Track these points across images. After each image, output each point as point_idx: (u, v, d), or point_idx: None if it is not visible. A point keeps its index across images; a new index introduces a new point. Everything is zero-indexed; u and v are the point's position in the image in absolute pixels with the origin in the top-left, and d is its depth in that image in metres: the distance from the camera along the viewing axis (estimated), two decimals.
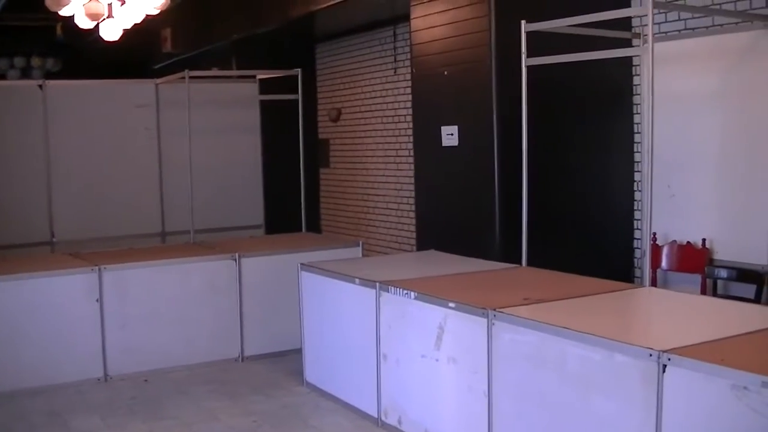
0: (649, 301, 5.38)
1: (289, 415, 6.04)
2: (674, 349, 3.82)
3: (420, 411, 5.41)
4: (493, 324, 4.76)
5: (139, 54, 12.81)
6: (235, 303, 7.40)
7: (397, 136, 10.79)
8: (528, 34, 6.38)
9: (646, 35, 7.15)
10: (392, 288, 5.59)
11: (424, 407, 5.38)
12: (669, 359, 3.77)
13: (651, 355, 3.84)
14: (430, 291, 5.38)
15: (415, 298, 5.39)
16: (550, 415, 4.43)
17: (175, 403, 6.33)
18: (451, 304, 5.09)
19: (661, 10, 6.70)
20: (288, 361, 7.17)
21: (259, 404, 6.25)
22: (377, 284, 5.72)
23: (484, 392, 4.84)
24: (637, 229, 7.84)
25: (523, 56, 6.35)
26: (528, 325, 4.56)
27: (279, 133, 10.28)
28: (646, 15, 5.57)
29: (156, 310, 7.11)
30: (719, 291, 6.83)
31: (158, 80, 9.76)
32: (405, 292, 5.48)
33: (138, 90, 9.75)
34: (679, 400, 3.75)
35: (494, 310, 4.78)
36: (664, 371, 3.79)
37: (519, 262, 6.48)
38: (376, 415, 5.79)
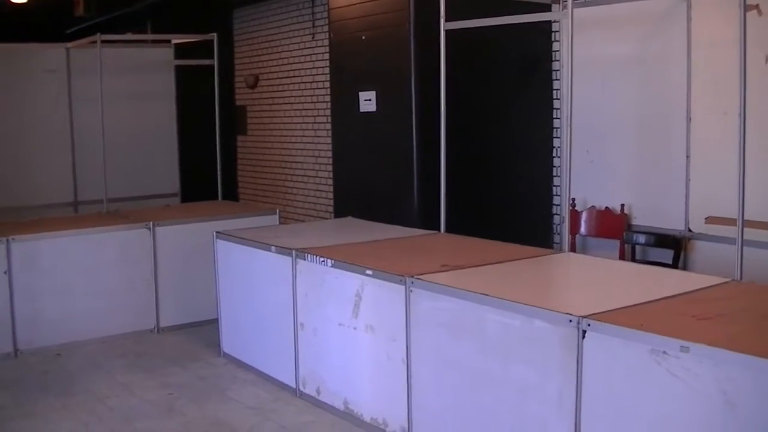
0: (568, 267, 5.37)
1: (207, 387, 5.92)
2: (594, 314, 3.79)
3: (338, 380, 5.34)
4: (411, 291, 4.69)
5: (49, 18, 12.43)
6: (149, 273, 7.23)
7: (315, 102, 10.65)
8: None
9: (565, 1, 7.16)
10: (309, 256, 5.48)
11: (343, 377, 5.30)
12: (588, 325, 3.74)
13: (570, 320, 3.81)
14: (347, 258, 5.29)
15: (332, 265, 5.29)
16: (469, 383, 4.38)
17: (88, 377, 6.14)
18: (369, 272, 5.01)
19: None
20: (204, 331, 7.06)
21: (176, 376, 6.12)
22: (293, 252, 5.61)
23: (402, 360, 4.78)
24: (556, 195, 7.85)
25: (442, 20, 6.27)
26: (446, 292, 4.50)
27: (194, 99, 10.08)
28: None
29: (68, 282, 6.89)
30: (637, 256, 6.87)
31: (69, 44, 9.47)
32: (321, 259, 5.38)
33: (47, 55, 9.44)
34: (599, 365, 3.72)
35: (412, 277, 4.70)
36: (583, 337, 3.75)
37: (438, 228, 6.43)
38: (294, 386, 5.70)
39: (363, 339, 5.09)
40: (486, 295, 4.26)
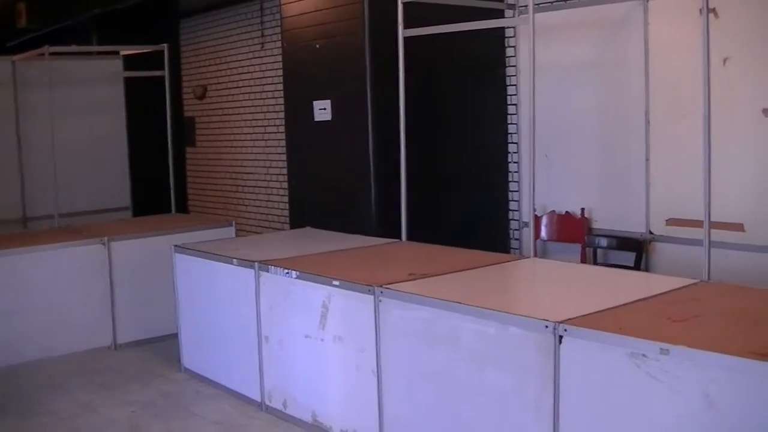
0: (535, 272, 5.36)
1: (170, 403, 5.81)
2: (570, 319, 3.78)
3: (306, 393, 5.27)
4: (380, 301, 4.65)
5: None
6: (105, 289, 7.10)
7: (265, 112, 10.58)
8: (406, 6, 6.26)
9: (521, 6, 7.20)
10: (272, 268, 5.42)
11: (311, 389, 5.23)
12: (565, 330, 3.72)
13: (547, 326, 3.79)
14: (311, 269, 5.23)
15: (297, 277, 5.23)
16: (443, 392, 4.34)
17: (49, 397, 5.99)
18: (336, 282, 4.96)
19: None
20: (163, 347, 6.95)
21: (137, 393, 6.00)
22: (256, 264, 5.54)
23: (372, 371, 4.73)
24: (512, 200, 7.85)
25: (400, 27, 6.24)
26: (417, 301, 4.46)
27: (143, 111, 9.95)
28: None
29: (22, 300, 6.73)
30: (599, 260, 6.90)
31: (15, 57, 9.30)
32: (286, 271, 5.32)
33: None
34: (577, 370, 3.71)
35: (381, 286, 4.66)
36: (560, 342, 3.74)
37: (395, 237, 6.40)
38: (259, 400, 5.62)
39: (331, 350, 5.04)
40: (459, 303, 4.23)
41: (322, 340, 5.07)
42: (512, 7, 7.33)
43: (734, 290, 4.46)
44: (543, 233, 7.12)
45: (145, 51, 9.43)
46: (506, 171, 7.88)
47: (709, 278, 4.88)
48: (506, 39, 7.77)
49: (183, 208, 11.51)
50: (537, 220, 7.00)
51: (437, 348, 4.36)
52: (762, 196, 5.88)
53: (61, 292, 6.92)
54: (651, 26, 6.41)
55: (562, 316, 3.81)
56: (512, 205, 7.87)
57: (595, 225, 6.89)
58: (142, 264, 7.23)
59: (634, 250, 6.50)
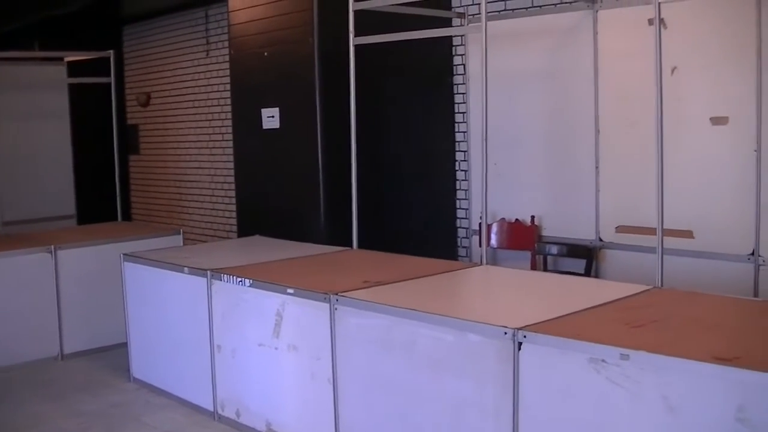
0: (489, 279, 5.39)
1: (120, 413, 5.73)
2: (529, 325, 3.80)
3: (260, 402, 5.23)
4: (336, 309, 4.63)
5: None
6: (52, 298, 6.97)
7: (210, 120, 10.53)
8: (357, 13, 6.28)
9: (470, 15, 7.25)
10: (225, 276, 5.38)
11: (265, 398, 5.20)
12: (524, 336, 3.74)
13: (506, 333, 3.80)
14: (264, 277, 5.20)
15: (251, 285, 5.20)
16: (401, 400, 4.34)
17: None
18: (290, 290, 4.93)
19: None
20: (112, 356, 6.86)
21: (87, 404, 5.91)
22: (208, 272, 5.50)
23: (328, 379, 4.71)
24: (460, 208, 7.90)
25: (351, 35, 6.25)
26: (374, 309, 4.45)
27: (87, 118, 9.85)
28: None
29: None
30: (549, 267, 6.96)
31: None
32: (239, 279, 5.28)
33: None
34: (536, 376, 3.73)
35: (336, 294, 4.65)
36: (519, 349, 3.75)
37: (344, 245, 6.40)
38: (212, 409, 5.57)
39: (285, 359, 5.01)
40: (417, 310, 4.23)
41: (276, 348, 5.05)
42: (461, 15, 7.38)
43: (688, 296, 4.52)
44: (493, 241, 7.16)
45: (90, 57, 9.33)
46: (453, 179, 7.92)
47: (662, 284, 4.95)
48: (454, 47, 7.82)
49: (126, 216, 11.39)
50: (487, 227, 7.03)
51: (394, 356, 4.36)
52: (710, 204, 5.98)
53: (5, 301, 6.77)
54: (600, 35, 6.49)
55: (521, 323, 3.83)
56: (460, 213, 7.91)
57: (545, 232, 6.94)
58: (89, 273, 7.12)
59: (585, 257, 6.56)
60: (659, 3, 4.98)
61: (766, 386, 3.01)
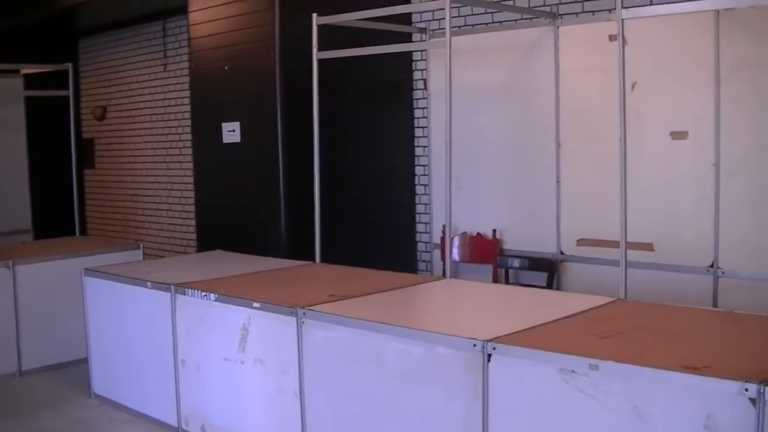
0: (453, 292, 5.41)
1: (82, 430, 5.68)
2: (497, 337, 3.83)
3: (226, 416, 5.21)
4: (303, 323, 4.63)
5: None
6: (10, 313, 6.88)
7: (167, 134, 10.48)
8: (319, 28, 6.30)
9: (431, 30, 7.30)
10: (189, 290, 5.36)
11: (230, 412, 5.18)
12: (494, 348, 3.77)
13: (475, 345, 3.82)
14: (229, 292, 5.19)
15: (216, 299, 5.19)
16: (369, 413, 4.35)
17: None
18: (256, 304, 4.92)
19: (455, 4, 6.71)
20: (71, 372, 6.78)
21: (48, 421, 5.83)
22: (172, 287, 5.47)
23: (295, 393, 4.70)
24: (420, 222, 7.93)
25: (315, 49, 6.28)
26: (342, 322, 4.46)
27: (43, 132, 9.75)
28: (430, 11, 5.62)
29: None
30: (510, 280, 7.00)
31: None
32: (204, 294, 5.26)
33: None
34: (506, 387, 3.76)
35: (303, 308, 4.65)
36: (488, 360, 3.78)
37: (305, 259, 6.40)
38: (176, 424, 5.53)
39: (251, 373, 4.99)
40: (384, 323, 4.25)
41: (242, 362, 5.03)
42: (423, 31, 7.42)
43: (651, 307, 4.57)
44: (455, 254, 7.19)
45: (47, 70, 9.25)
46: (413, 193, 7.96)
47: (625, 296, 5.01)
48: (414, 62, 7.86)
49: (82, 231, 11.29)
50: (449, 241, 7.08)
51: (362, 369, 4.37)
52: (670, 217, 6.07)
53: None
54: (561, 51, 6.57)
55: (490, 335, 3.86)
56: (420, 227, 7.94)
57: (507, 246, 7.00)
58: (48, 288, 7.04)
59: (546, 270, 6.62)
60: (622, 20, 5.04)
61: (734, 395, 3.06)
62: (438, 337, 4.02)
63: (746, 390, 3.03)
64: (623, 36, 5.13)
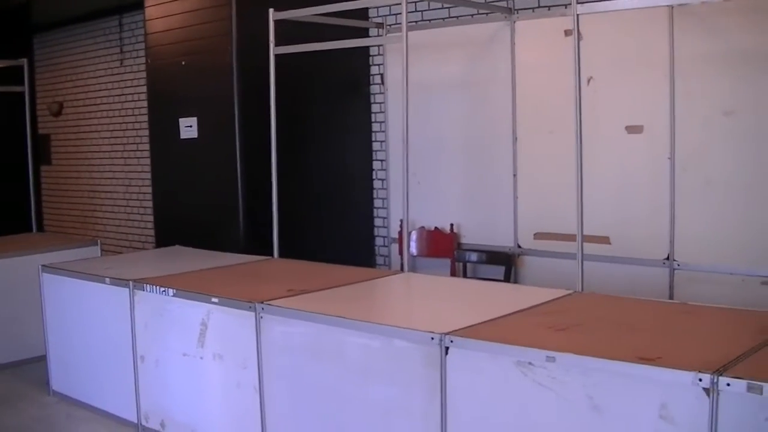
0: (411, 286, 5.44)
1: (42, 428, 5.64)
2: (455, 330, 3.85)
3: (185, 412, 5.20)
4: (262, 317, 4.64)
5: None
6: None
7: (124, 130, 10.42)
8: (276, 23, 6.30)
9: (388, 25, 7.32)
10: (147, 286, 5.34)
11: (190, 407, 5.17)
12: (451, 341, 3.79)
13: (433, 338, 3.85)
14: (188, 287, 5.18)
15: (174, 295, 5.17)
16: (328, 407, 4.36)
17: None
18: (215, 299, 4.92)
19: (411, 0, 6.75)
20: (29, 370, 6.73)
21: (6, 419, 5.79)
22: (131, 283, 5.45)
23: (254, 388, 4.71)
24: (378, 217, 7.95)
25: (271, 44, 6.28)
26: (300, 317, 4.47)
27: None
28: (387, 6, 5.64)
29: None
30: (468, 274, 7.05)
31: None
32: (162, 289, 5.25)
33: None
34: (464, 380, 3.78)
35: (262, 303, 4.66)
36: (446, 353, 3.81)
37: (263, 254, 6.40)
38: (135, 421, 5.51)
39: (211, 368, 4.99)
40: (343, 317, 4.26)
41: (201, 358, 5.03)
42: (379, 26, 7.44)
43: (607, 300, 4.64)
44: (413, 249, 7.23)
45: (1, 66, 9.16)
46: (371, 188, 7.98)
47: (582, 289, 5.06)
48: (371, 57, 7.88)
49: (39, 227, 11.20)
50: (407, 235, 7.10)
51: (321, 363, 4.38)
52: (627, 210, 6.14)
53: None
54: (517, 46, 6.62)
55: (447, 328, 3.88)
56: (378, 222, 7.96)
57: (464, 240, 7.04)
58: (5, 284, 6.96)
59: (503, 263, 6.67)
60: (577, 15, 5.08)
61: (687, 385, 3.10)
62: (396, 331, 4.04)
63: (700, 380, 3.07)
64: (578, 31, 5.17)
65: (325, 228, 7.60)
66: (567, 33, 6.00)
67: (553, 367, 3.46)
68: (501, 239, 6.80)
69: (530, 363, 3.53)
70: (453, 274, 6.93)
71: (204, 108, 7.33)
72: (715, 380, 3.05)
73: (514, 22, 6.63)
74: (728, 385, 3.03)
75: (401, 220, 6.73)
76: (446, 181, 7.18)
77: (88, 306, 5.88)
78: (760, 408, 2.95)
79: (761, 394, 2.95)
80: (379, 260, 7.95)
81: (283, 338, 4.58)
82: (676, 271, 5.96)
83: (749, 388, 2.99)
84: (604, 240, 6.17)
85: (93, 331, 5.86)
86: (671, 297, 5.90)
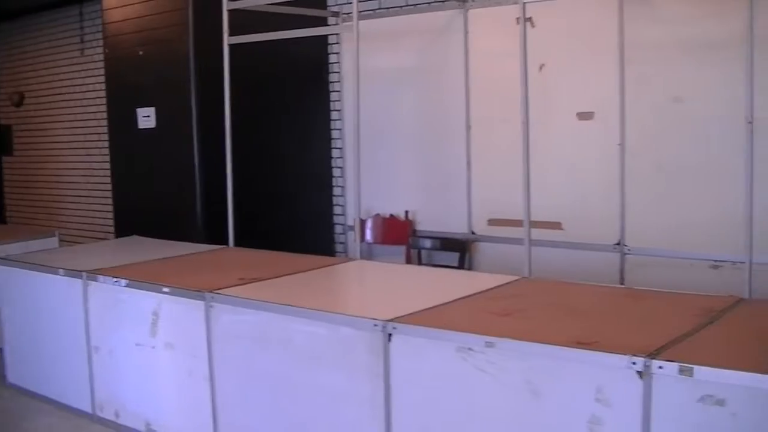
0: (363, 274, 5.49)
1: None
2: (398, 317, 3.90)
3: (139, 401, 5.22)
4: (211, 306, 4.66)
5: None
6: None
7: (86, 120, 10.37)
8: (231, 13, 6.30)
9: (344, 14, 7.33)
10: (101, 277, 5.35)
11: (143, 397, 5.19)
12: (394, 328, 3.84)
13: (376, 325, 3.89)
14: (141, 277, 5.19)
15: (126, 285, 5.19)
16: (277, 394, 4.40)
17: None
18: (165, 289, 4.94)
19: None
20: None
21: None
22: (84, 274, 5.46)
23: (205, 376, 4.73)
24: (337, 205, 7.98)
25: (225, 34, 6.28)
26: (249, 305, 4.50)
27: None
28: None
29: None
30: (423, 260, 7.08)
31: None
32: (115, 280, 5.26)
33: None
34: (407, 366, 3.83)
35: (211, 292, 4.68)
36: (390, 340, 3.85)
37: (223, 243, 6.42)
38: (90, 411, 5.53)
39: (163, 357, 5.01)
40: (290, 305, 4.30)
41: (153, 347, 5.05)
42: (336, 15, 7.46)
43: (553, 285, 4.69)
44: (368, 236, 7.27)
45: None
46: (330, 176, 8.00)
47: (530, 274, 5.11)
48: (330, 46, 7.89)
49: (2, 218, 11.20)
50: (362, 223, 7.13)
51: (270, 351, 4.42)
52: (579, 196, 6.20)
53: None
54: (471, 34, 6.66)
55: (391, 315, 3.93)
56: (337, 210, 7.99)
57: (420, 227, 7.08)
58: None
59: (458, 250, 6.71)
60: (525, 3, 5.12)
61: (622, 367, 3.16)
62: (342, 318, 4.08)
63: (634, 363, 3.13)
64: (525, 19, 5.22)
65: (286, 216, 7.60)
66: (519, 21, 6.03)
67: (492, 353, 3.51)
68: (456, 226, 6.84)
69: (470, 348, 3.58)
70: (408, 261, 6.97)
71: (161, 98, 7.32)
72: (648, 363, 3.11)
73: (468, 10, 6.67)
74: (661, 368, 3.09)
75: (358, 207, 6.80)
76: (402, 169, 7.22)
77: (42, 297, 5.88)
78: (693, 390, 3.02)
79: (692, 376, 3.01)
80: (340, 248, 7.98)
81: (232, 327, 4.61)
82: (626, 256, 6.02)
83: (681, 371, 3.05)
84: (556, 226, 6.22)
85: (48, 323, 5.86)
86: (622, 282, 5.96)
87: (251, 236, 6.48)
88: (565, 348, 3.33)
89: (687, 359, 3.07)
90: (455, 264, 6.64)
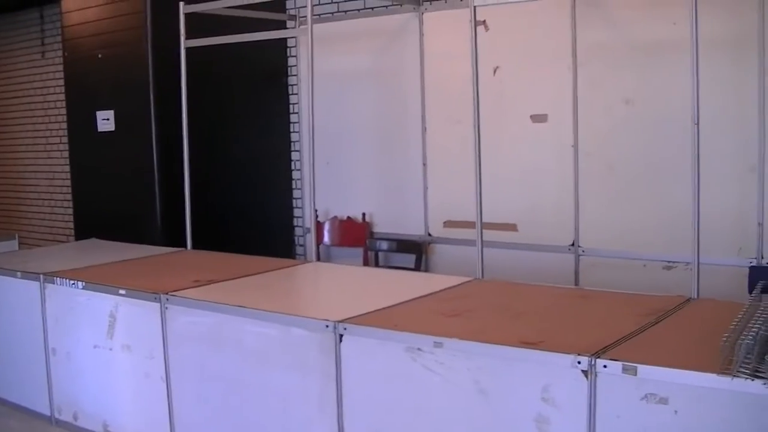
0: (318, 276, 5.52)
1: None
2: (349, 318, 3.94)
3: (96, 403, 5.24)
4: (167, 308, 4.69)
5: None
6: None
7: (47, 123, 10.34)
8: (190, 16, 6.32)
9: (302, 17, 7.38)
10: (58, 279, 5.36)
11: (101, 399, 5.21)
12: (345, 329, 3.89)
13: (327, 326, 3.94)
14: (98, 280, 5.21)
15: (83, 287, 5.21)
16: (231, 395, 4.43)
17: None
18: (122, 291, 4.96)
19: None
20: None
21: None
22: (41, 276, 5.47)
23: (161, 377, 4.76)
24: (296, 207, 8.02)
25: (182, 38, 6.30)
26: (202, 307, 4.54)
27: None
28: None
29: None
30: (380, 262, 7.13)
31: None
32: (72, 282, 5.27)
33: None
34: (357, 366, 3.88)
35: (167, 293, 4.71)
36: (341, 341, 3.90)
37: (181, 246, 6.44)
38: (49, 414, 5.54)
39: (120, 359, 5.03)
40: (242, 307, 4.34)
41: (111, 349, 5.07)
42: (294, 18, 7.50)
43: (504, 286, 4.76)
44: (326, 238, 7.31)
45: None
46: (290, 178, 8.04)
47: (483, 276, 5.17)
48: (288, 49, 7.93)
49: None
50: (319, 225, 7.18)
51: (224, 352, 4.45)
52: (533, 198, 6.28)
53: None
54: (426, 37, 6.72)
55: (343, 316, 3.97)
56: (296, 212, 8.03)
57: (377, 229, 7.14)
58: None
59: (414, 251, 6.78)
60: (474, 6, 5.17)
61: (567, 367, 3.22)
62: (293, 319, 4.12)
63: (578, 362, 3.19)
64: (475, 22, 5.26)
65: (246, 219, 7.63)
66: (471, 24, 6.10)
67: (441, 353, 3.56)
68: (412, 228, 6.91)
69: (419, 349, 3.63)
70: (365, 263, 7.02)
71: (120, 101, 7.33)
72: (593, 363, 3.17)
73: (423, 13, 6.73)
74: (605, 366, 3.15)
75: (315, 210, 6.83)
76: (359, 171, 7.27)
77: (0, 301, 5.88)
78: (636, 388, 3.08)
79: (636, 375, 3.07)
80: (299, 250, 8.02)
81: (187, 328, 4.64)
82: (581, 257, 6.10)
83: (624, 369, 3.11)
84: (512, 227, 6.30)
85: (5, 325, 5.85)
86: (576, 282, 6.04)
87: (211, 239, 6.51)
88: (512, 348, 3.39)
89: (631, 358, 3.14)
90: (412, 266, 6.70)
